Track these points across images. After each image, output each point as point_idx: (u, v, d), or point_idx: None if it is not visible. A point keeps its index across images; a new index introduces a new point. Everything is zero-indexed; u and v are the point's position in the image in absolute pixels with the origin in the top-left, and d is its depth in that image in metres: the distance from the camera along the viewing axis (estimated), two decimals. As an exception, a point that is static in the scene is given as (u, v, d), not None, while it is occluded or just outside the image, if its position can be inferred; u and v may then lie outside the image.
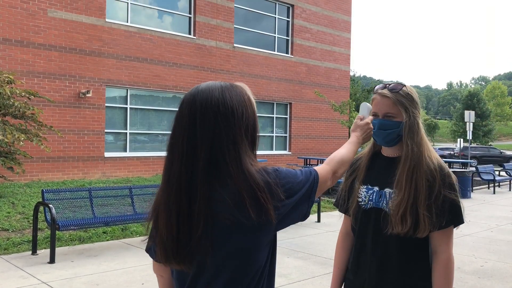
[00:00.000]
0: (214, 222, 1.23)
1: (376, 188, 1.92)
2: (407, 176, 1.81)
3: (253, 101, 1.36)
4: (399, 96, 1.86)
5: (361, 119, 1.85)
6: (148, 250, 1.46)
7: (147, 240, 1.42)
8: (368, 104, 1.88)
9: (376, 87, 1.96)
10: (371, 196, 1.92)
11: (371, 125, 1.84)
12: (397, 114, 1.86)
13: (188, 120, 1.27)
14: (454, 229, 1.86)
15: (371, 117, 1.86)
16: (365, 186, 1.95)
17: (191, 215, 1.23)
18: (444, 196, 1.80)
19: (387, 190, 1.88)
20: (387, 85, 1.91)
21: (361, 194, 1.95)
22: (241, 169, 1.24)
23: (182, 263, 1.26)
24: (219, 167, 1.24)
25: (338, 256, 2.08)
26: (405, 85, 1.90)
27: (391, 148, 1.94)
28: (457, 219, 1.82)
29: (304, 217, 1.36)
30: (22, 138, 9.05)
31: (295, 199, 1.31)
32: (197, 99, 1.28)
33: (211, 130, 1.24)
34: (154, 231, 1.32)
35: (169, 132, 1.37)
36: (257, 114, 1.36)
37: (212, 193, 1.24)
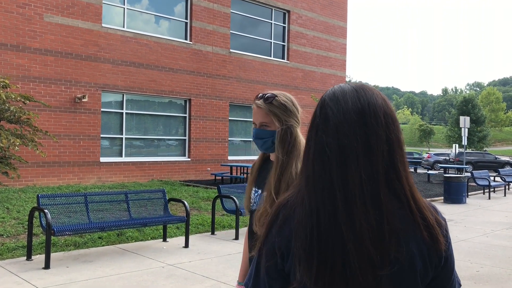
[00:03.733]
0: (397, 243, 1.04)
1: (260, 191, 2.04)
2: (274, 182, 1.88)
3: None
4: (271, 106, 1.96)
5: None
6: None
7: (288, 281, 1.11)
8: None
9: (255, 97, 2.08)
10: (256, 198, 2.05)
11: None
12: (271, 123, 1.97)
13: (357, 118, 1.07)
14: None
15: None
16: (254, 189, 2.08)
17: (381, 233, 1.03)
18: None
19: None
20: (264, 95, 2.00)
21: (252, 196, 2.08)
22: (408, 181, 1.09)
23: None
24: (392, 177, 1.07)
25: (244, 252, 2.19)
26: (277, 96, 1.98)
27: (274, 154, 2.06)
28: None
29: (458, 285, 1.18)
30: (18, 143, 9.01)
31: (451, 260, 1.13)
32: (360, 95, 1.10)
33: (383, 131, 1.07)
34: (319, 265, 1.03)
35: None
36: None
37: (392, 207, 1.05)
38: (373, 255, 1.02)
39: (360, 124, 1.06)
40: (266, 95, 1.98)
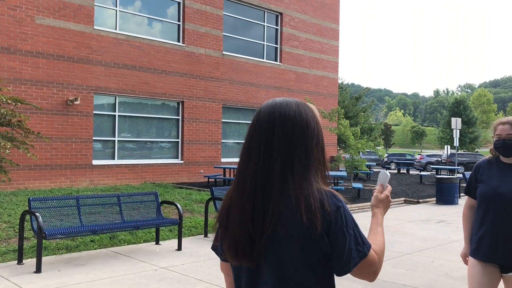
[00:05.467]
0: (280, 223, 1.34)
1: None
2: None
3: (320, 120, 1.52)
4: None
5: (381, 191, 1.67)
6: (214, 249, 1.59)
7: (214, 239, 1.54)
8: (387, 172, 1.69)
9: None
10: None
11: (390, 197, 1.68)
12: None
13: (267, 127, 1.39)
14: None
15: (390, 188, 1.68)
16: None
17: (264, 214, 1.35)
18: None
19: None
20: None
21: None
22: (305, 177, 1.36)
23: (252, 259, 1.37)
24: (287, 173, 1.36)
25: None
26: None
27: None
28: None
29: (342, 270, 1.37)
30: (8, 146, 8.93)
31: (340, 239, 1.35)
32: (276, 109, 1.41)
33: (288, 138, 1.38)
34: (223, 231, 1.43)
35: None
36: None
37: (281, 196, 1.36)
38: (255, 232, 1.35)
39: (269, 131, 1.38)
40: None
